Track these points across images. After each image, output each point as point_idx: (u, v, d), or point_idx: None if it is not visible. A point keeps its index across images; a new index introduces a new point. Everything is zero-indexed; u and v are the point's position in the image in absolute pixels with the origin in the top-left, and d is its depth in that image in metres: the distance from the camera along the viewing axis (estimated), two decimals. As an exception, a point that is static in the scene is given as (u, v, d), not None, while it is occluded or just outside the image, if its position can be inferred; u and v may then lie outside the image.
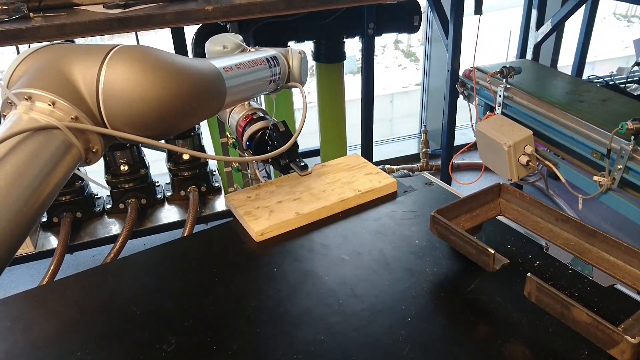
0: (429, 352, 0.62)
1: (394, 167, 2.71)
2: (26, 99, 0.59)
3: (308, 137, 2.58)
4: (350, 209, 0.91)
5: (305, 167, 0.95)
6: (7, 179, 0.55)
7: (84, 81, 0.62)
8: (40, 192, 0.58)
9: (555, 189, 2.39)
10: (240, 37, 1.04)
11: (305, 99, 0.99)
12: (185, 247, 0.88)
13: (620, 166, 1.46)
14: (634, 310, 0.59)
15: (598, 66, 4.37)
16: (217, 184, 2.21)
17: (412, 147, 2.97)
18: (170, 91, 0.65)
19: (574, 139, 1.63)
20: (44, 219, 2.02)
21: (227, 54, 0.98)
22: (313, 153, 2.53)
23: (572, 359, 0.60)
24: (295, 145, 0.94)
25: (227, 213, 2.16)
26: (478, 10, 1.81)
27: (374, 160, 2.39)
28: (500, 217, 0.82)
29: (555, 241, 0.73)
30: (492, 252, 0.65)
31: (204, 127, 2.15)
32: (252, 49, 1.02)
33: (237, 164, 2.04)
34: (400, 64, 6.16)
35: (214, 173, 2.25)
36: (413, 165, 2.75)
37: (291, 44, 2.02)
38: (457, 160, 2.72)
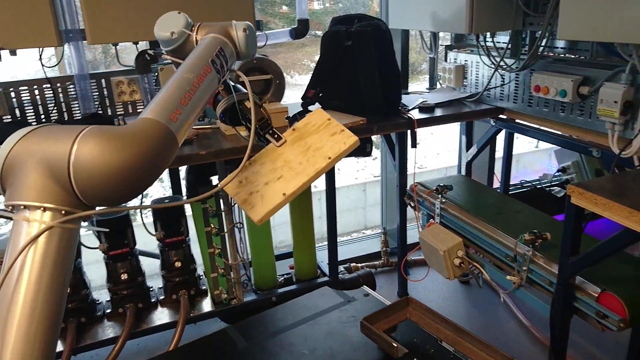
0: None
1: (359, 264, 3.09)
2: (23, 207, 0.78)
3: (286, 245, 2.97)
4: (313, 315, 1.28)
5: (279, 137, 1.11)
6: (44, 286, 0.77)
7: (57, 165, 0.77)
8: (67, 280, 0.82)
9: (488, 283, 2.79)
10: (185, 20, 1.10)
11: (248, 85, 1.06)
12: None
13: (525, 268, 1.88)
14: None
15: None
16: (204, 287, 2.54)
17: (374, 246, 3.37)
18: (118, 160, 0.79)
19: (492, 245, 2.06)
20: (52, 325, 2.30)
21: (175, 41, 1.09)
22: (288, 255, 2.91)
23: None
24: (265, 119, 1.09)
25: (213, 313, 2.48)
26: (414, 144, 2.30)
27: (339, 259, 2.76)
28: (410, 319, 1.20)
29: (441, 337, 1.11)
30: (395, 345, 1.02)
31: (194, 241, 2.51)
32: (197, 34, 1.10)
33: (223, 271, 2.40)
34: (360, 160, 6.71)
35: (201, 277, 2.59)
36: (375, 263, 3.14)
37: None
38: (414, 256, 3.12)
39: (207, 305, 2.50)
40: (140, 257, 2.46)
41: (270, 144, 1.13)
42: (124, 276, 2.35)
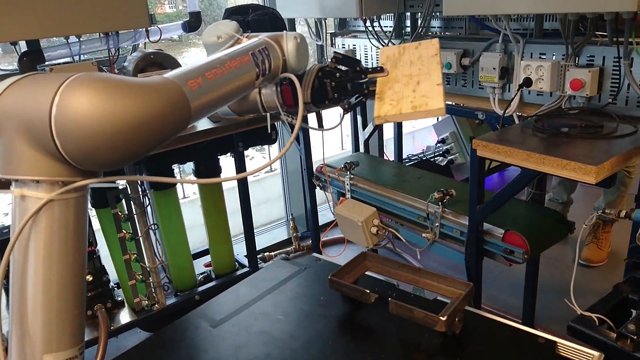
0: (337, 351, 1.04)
1: (272, 253, 3.14)
2: (16, 181, 0.70)
3: (200, 242, 2.90)
4: (275, 285, 1.31)
5: (382, 68, 1.11)
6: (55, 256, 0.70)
7: (38, 126, 0.66)
8: (83, 249, 0.75)
9: (402, 247, 3.02)
10: (235, 25, 1.05)
11: (301, 92, 1.02)
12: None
13: (437, 224, 2.08)
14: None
15: (417, 134, 5.10)
16: (120, 298, 2.41)
17: (282, 234, 3.44)
18: (111, 111, 0.66)
19: (404, 209, 2.24)
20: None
21: (221, 45, 1.03)
22: (204, 252, 2.85)
23: (418, 337, 1.07)
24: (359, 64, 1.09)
25: (134, 323, 2.36)
26: (320, 126, 2.40)
27: (257, 249, 2.79)
28: (368, 272, 1.30)
29: (401, 280, 1.22)
30: (368, 291, 1.11)
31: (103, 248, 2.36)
32: (246, 38, 1.05)
33: (141, 277, 2.30)
34: (247, 155, 6.77)
35: (115, 289, 2.45)
36: (288, 249, 3.21)
37: (185, 167, 2.40)
38: (324, 237, 3.24)
39: (125, 316, 2.38)
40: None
41: (378, 79, 1.12)
42: (30, 299, 2.15)
